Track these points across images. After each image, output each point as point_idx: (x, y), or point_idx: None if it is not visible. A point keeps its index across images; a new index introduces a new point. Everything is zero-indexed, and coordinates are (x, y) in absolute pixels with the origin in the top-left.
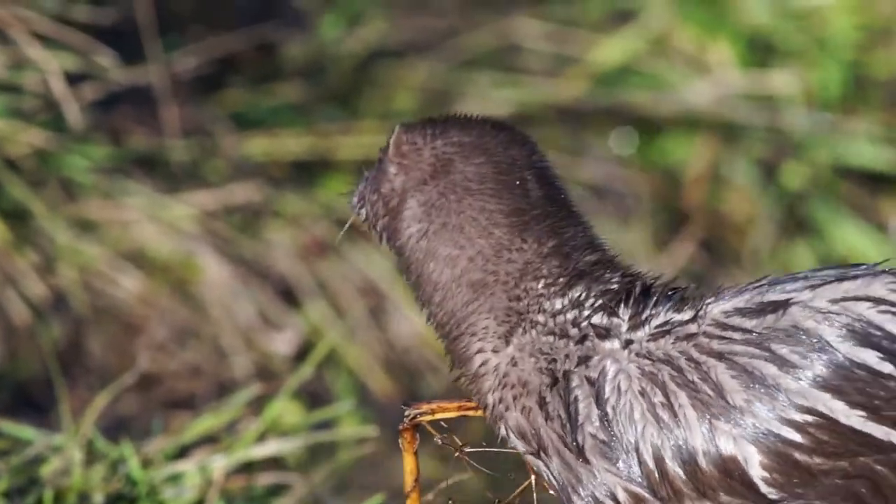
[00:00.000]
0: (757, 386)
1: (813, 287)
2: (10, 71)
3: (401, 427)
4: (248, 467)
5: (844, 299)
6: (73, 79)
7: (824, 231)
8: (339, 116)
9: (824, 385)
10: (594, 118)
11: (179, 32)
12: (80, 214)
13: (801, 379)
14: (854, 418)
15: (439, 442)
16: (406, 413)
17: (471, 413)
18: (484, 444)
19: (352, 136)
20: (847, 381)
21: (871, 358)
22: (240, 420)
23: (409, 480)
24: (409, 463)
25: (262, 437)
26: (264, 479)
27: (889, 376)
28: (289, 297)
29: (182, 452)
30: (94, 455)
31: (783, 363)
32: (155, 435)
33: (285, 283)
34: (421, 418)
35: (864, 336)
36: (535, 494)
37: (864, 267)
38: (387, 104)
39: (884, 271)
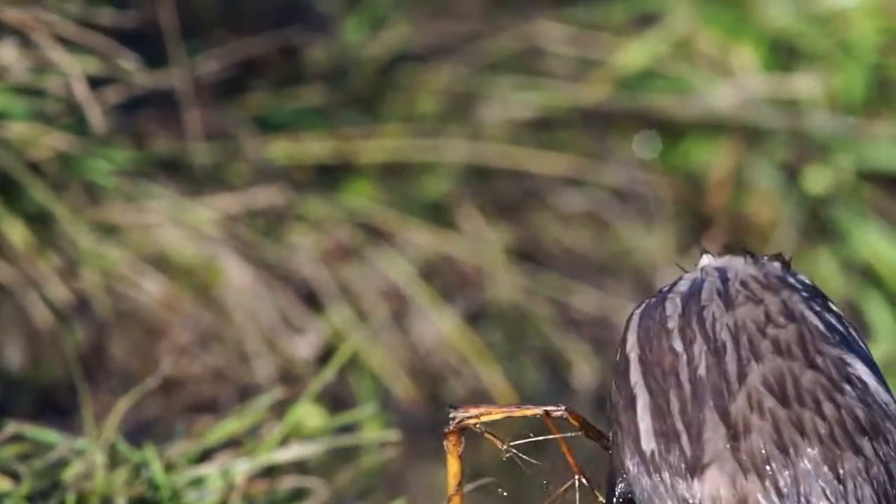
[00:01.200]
0: None
1: None
2: (32, 74)
3: (446, 430)
4: (271, 471)
5: None
6: (95, 82)
7: (847, 235)
8: (362, 120)
9: None
10: (617, 122)
11: (202, 36)
12: (103, 218)
13: None
14: None
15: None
16: (452, 416)
17: (517, 415)
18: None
19: (374, 139)
20: None
21: None
22: (262, 424)
23: (452, 484)
24: (453, 466)
25: (284, 441)
26: (286, 483)
27: None
28: (311, 300)
29: (204, 456)
30: (116, 459)
31: None
32: (177, 439)
33: (308, 286)
34: (468, 421)
35: None
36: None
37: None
38: (409, 108)
39: None
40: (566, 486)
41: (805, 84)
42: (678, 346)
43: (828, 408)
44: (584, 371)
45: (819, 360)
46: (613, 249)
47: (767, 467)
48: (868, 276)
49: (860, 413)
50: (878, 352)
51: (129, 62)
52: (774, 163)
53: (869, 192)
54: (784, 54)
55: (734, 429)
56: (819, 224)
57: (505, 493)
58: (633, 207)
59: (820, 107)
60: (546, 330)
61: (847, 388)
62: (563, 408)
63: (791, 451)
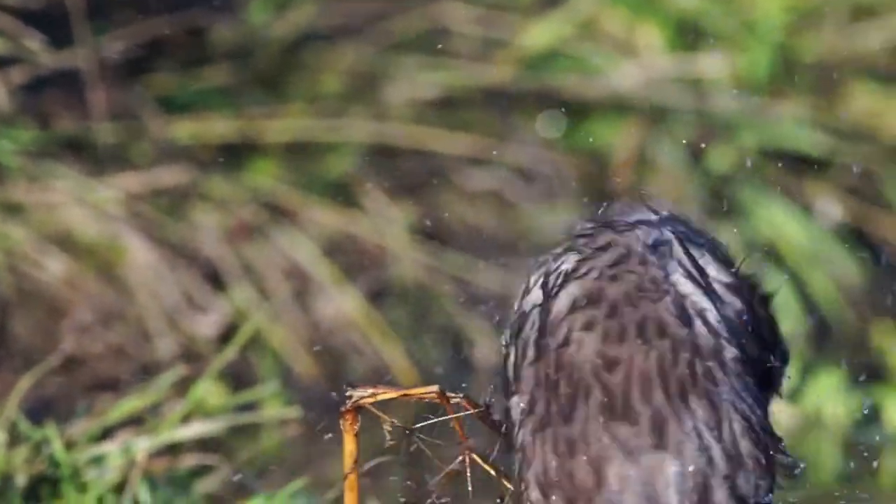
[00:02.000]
0: None
1: None
2: None
3: (343, 409)
4: (172, 449)
5: None
6: (0, 62)
7: (751, 213)
8: (267, 100)
9: None
10: (522, 101)
11: (108, 16)
12: (6, 197)
13: None
14: None
15: (388, 427)
16: (348, 395)
17: (414, 395)
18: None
19: (279, 119)
20: None
21: None
22: (164, 402)
23: (348, 463)
24: (349, 445)
25: (185, 419)
26: (188, 461)
27: None
28: (214, 279)
29: (106, 434)
30: (17, 437)
31: None
32: (79, 417)
33: (211, 265)
34: (364, 401)
35: None
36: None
37: None
38: (314, 87)
39: None
40: (455, 461)
41: (710, 64)
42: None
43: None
44: (487, 349)
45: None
46: (517, 228)
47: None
48: (771, 253)
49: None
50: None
51: (34, 42)
52: (678, 142)
53: (772, 170)
54: (689, 34)
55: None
56: (722, 202)
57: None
58: (537, 186)
59: (724, 86)
60: (449, 308)
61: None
62: (461, 395)
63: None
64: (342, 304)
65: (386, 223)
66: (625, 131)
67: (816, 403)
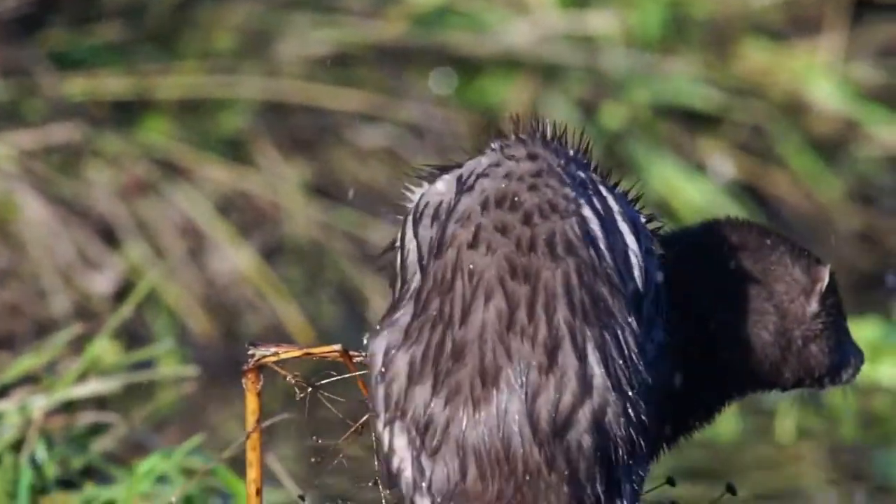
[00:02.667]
0: None
1: None
2: None
3: (245, 368)
4: (68, 407)
5: None
6: None
7: (643, 170)
8: (160, 57)
9: None
10: (414, 59)
11: None
12: None
13: None
14: None
15: (291, 381)
16: (250, 354)
17: (316, 355)
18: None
19: (171, 76)
20: None
21: None
22: (59, 360)
23: (251, 420)
24: (251, 403)
25: (81, 377)
26: (84, 419)
27: None
28: (108, 236)
29: (2, 392)
30: None
31: None
32: None
33: (105, 222)
34: (266, 359)
35: None
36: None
37: None
38: (206, 44)
39: None
40: (361, 420)
41: (601, 21)
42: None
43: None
44: (381, 306)
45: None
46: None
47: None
48: (662, 209)
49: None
50: None
51: None
52: (571, 99)
53: (664, 127)
54: None
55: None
56: (615, 159)
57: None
58: (429, 143)
59: (616, 43)
60: (343, 265)
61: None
62: (364, 353)
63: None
64: (237, 261)
65: (279, 180)
66: (517, 88)
67: None
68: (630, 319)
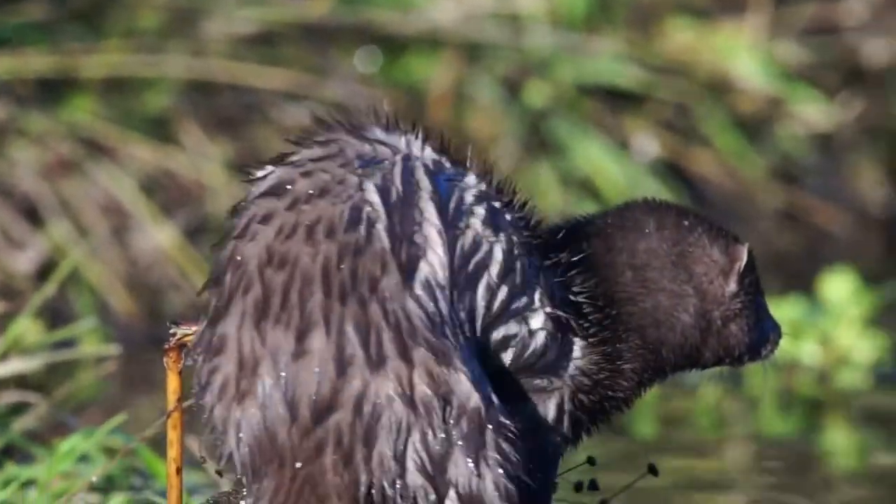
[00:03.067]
0: None
1: None
2: None
3: (166, 346)
4: None
5: None
6: None
7: (567, 149)
8: (85, 35)
9: None
10: (339, 37)
11: None
12: None
13: None
14: None
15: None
16: (172, 332)
17: None
18: None
19: (96, 54)
20: None
21: None
22: None
23: (171, 399)
24: (172, 382)
25: (3, 356)
26: (6, 398)
27: None
28: (32, 215)
29: None
30: None
31: None
32: None
33: (28, 201)
34: (188, 338)
35: None
36: None
37: None
38: (131, 23)
39: None
40: None
41: (527, 0)
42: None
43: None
44: None
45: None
46: None
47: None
48: (586, 188)
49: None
50: None
51: None
52: (495, 77)
53: (589, 105)
54: None
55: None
56: (539, 138)
57: None
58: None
59: (541, 22)
60: None
61: None
62: None
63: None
64: (160, 239)
65: (203, 159)
66: (442, 66)
67: None
68: (419, 293)
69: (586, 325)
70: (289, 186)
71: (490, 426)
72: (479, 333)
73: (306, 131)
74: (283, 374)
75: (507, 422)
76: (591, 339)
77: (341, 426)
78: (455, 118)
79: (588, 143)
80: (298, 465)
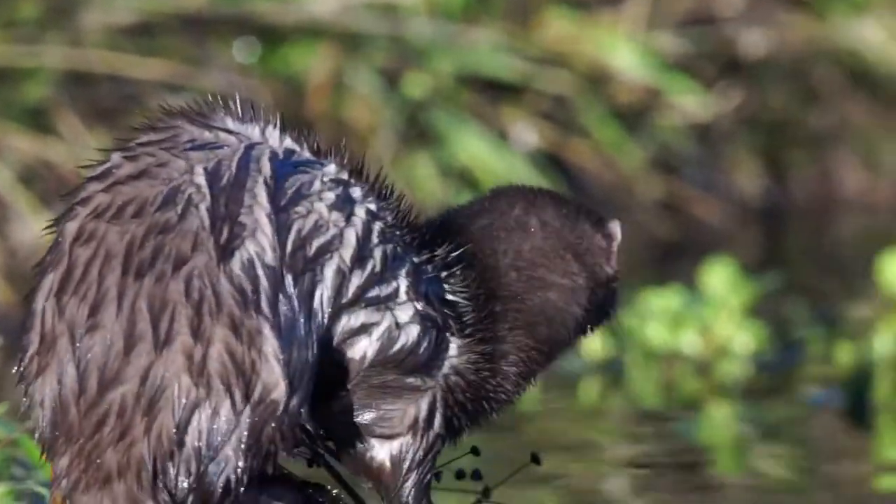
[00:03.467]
0: None
1: None
2: None
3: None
4: None
5: None
6: None
7: (446, 139)
8: None
9: None
10: (217, 27)
11: None
12: None
13: None
14: None
15: None
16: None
17: None
18: None
19: None
20: None
21: None
22: None
23: None
24: None
25: None
26: None
27: None
28: None
29: None
30: None
31: None
32: None
33: None
34: None
35: None
36: None
37: None
38: (9, 13)
39: None
40: None
41: None
42: None
43: None
44: None
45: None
46: None
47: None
48: (465, 179)
49: None
50: None
51: None
52: (374, 68)
53: (467, 96)
54: None
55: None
56: (418, 128)
57: None
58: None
59: (419, 13)
60: None
61: None
62: None
63: None
64: (38, 230)
65: (83, 150)
66: (320, 57)
67: None
68: (236, 272)
69: (463, 323)
70: (114, 170)
71: (281, 423)
72: (326, 317)
73: (150, 119)
74: (77, 347)
75: (305, 423)
76: (468, 339)
77: (125, 399)
78: (334, 109)
79: (467, 133)
80: (83, 439)
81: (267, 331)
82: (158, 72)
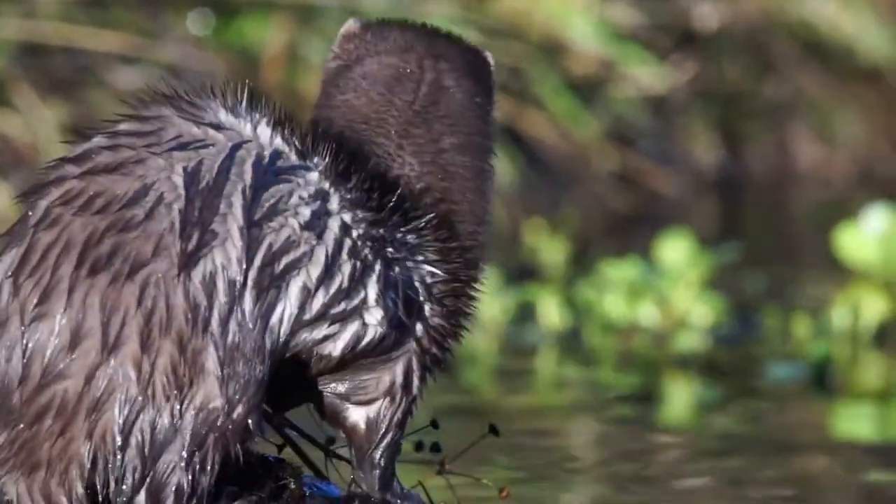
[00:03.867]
0: None
1: None
2: None
3: None
4: None
5: None
6: None
7: None
8: None
9: None
10: None
11: None
12: None
13: None
14: None
15: None
16: None
17: None
18: None
19: None
20: None
21: None
22: None
23: None
24: None
25: None
26: None
27: None
28: None
29: None
30: None
31: None
32: None
33: None
34: None
35: None
36: None
37: None
38: None
39: None
40: None
41: None
42: None
43: None
44: None
45: None
46: None
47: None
48: None
49: None
50: None
51: None
52: (328, 40)
53: None
54: None
55: None
56: None
57: None
58: (187, 84)
59: None
60: None
61: None
62: None
63: None
64: None
65: (37, 122)
66: (274, 28)
67: None
68: (195, 285)
69: (438, 294)
70: (93, 156)
71: (219, 434)
72: (285, 333)
73: (140, 101)
74: (25, 331)
75: (253, 435)
76: (444, 305)
77: (68, 394)
78: (288, 80)
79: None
80: (21, 426)
81: (210, 350)
82: (113, 44)
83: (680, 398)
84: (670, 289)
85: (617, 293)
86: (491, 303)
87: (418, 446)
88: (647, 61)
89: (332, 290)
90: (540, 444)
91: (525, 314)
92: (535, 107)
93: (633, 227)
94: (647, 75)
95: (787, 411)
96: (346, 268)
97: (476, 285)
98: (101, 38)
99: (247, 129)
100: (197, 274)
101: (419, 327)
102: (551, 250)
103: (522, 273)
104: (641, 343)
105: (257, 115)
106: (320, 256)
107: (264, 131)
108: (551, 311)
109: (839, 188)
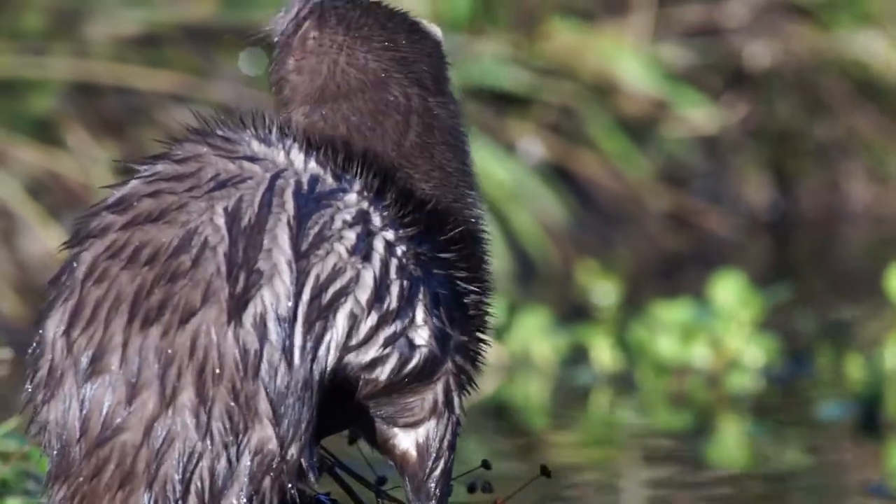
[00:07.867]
0: None
1: None
2: None
3: None
4: None
5: None
6: None
7: None
8: None
9: None
10: (224, 39)
11: None
12: None
13: None
14: None
15: None
16: None
17: None
18: None
19: None
20: None
21: None
22: None
23: None
24: None
25: None
26: None
27: None
28: None
29: None
30: None
31: None
32: None
33: None
34: None
35: None
36: None
37: None
38: (15, 24)
39: None
40: None
41: (409, 2)
42: None
43: None
44: None
45: None
46: None
47: None
48: None
49: None
50: None
51: None
52: None
53: (474, 108)
54: None
55: None
56: None
57: None
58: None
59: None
60: None
61: None
62: None
63: None
64: (48, 242)
65: (90, 161)
66: None
67: (524, 343)
68: (246, 328)
69: (471, 310)
70: (135, 203)
71: (275, 475)
72: (333, 362)
73: (173, 141)
74: (81, 387)
75: (307, 473)
76: (475, 321)
77: (126, 447)
78: None
79: (473, 145)
80: (80, 479)
81: (262, 393)
82: (165, 83)
83: (732, 440)
84: (723, 329)
85: (669, 334)
86: (543, 344)
87: (471, 487)
88: (698, 101)
89: (382, 311)
90: (588, 479)
91: (577, 355)
92: (586, 147)
93: (685, 268)
94: (698, 115)
95: (839, 451)
96: (395, 288)
97: (493, 301)
98: (154, 77)
99: (280, 156)
100: (247, 317)
101: (455, 344)
102: (603, 291)
103: (574, 314)
104: (694, 384)
105: (288, 141)
106: (368, 280)
107: (297, 157)
108: (604, 352)
109: (892, 227)
